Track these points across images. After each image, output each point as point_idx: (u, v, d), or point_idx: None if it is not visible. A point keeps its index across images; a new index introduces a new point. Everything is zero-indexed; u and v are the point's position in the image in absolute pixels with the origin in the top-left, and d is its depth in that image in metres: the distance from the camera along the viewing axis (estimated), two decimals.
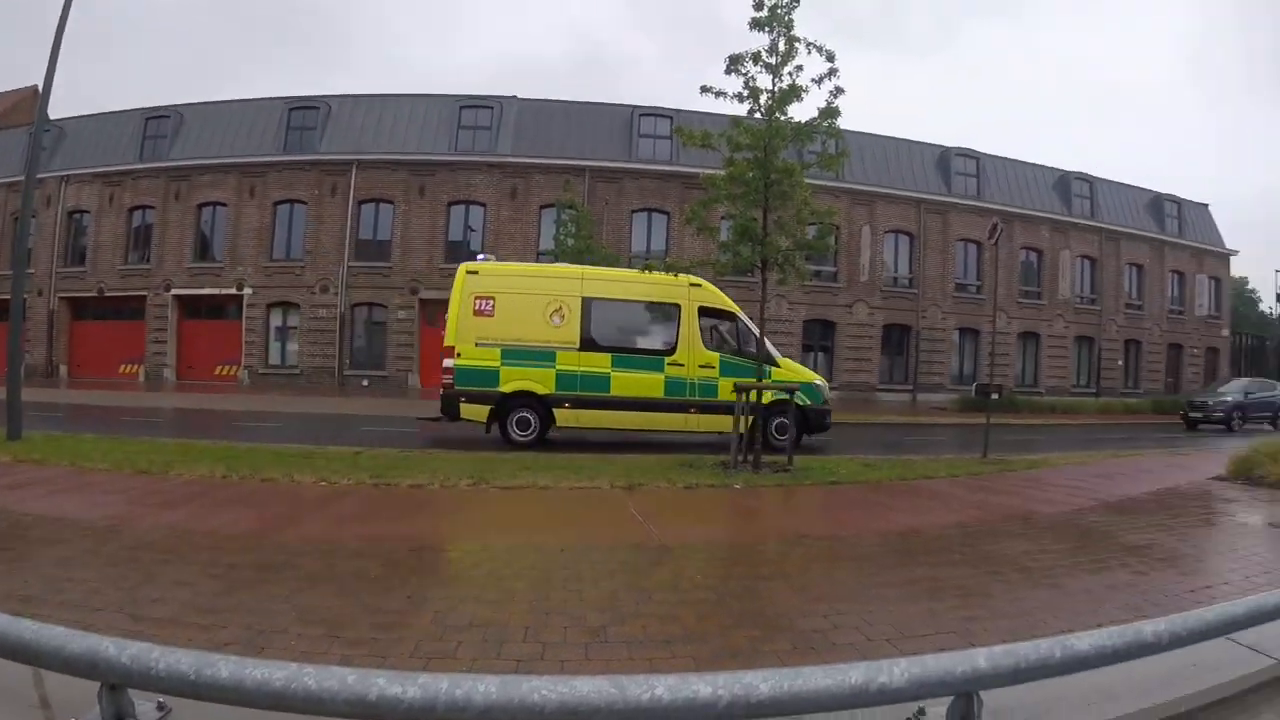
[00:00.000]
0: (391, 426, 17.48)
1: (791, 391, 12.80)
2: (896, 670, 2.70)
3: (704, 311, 15.84)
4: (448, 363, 14.84)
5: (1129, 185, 43.20)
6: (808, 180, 12.07)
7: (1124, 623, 3.65)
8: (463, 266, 15.65)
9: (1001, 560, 6.69)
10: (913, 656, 2.87)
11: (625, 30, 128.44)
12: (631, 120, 33.16)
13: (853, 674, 2.62)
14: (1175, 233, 43.87)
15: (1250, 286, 75.91)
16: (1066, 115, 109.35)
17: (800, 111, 11.71)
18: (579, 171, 31.12)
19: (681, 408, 15.29)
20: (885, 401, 33.52)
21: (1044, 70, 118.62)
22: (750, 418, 11.71)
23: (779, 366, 15.86)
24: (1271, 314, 68.26)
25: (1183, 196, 44.96)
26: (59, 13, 12.59)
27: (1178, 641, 3.51)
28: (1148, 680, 3.66)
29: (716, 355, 15.57)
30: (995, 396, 15.32)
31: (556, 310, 15.04)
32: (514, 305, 14.97)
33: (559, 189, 28.29)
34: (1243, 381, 30.18)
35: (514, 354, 14.81)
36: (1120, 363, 40.67)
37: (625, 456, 12.22)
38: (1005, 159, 39.20)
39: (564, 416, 15.07)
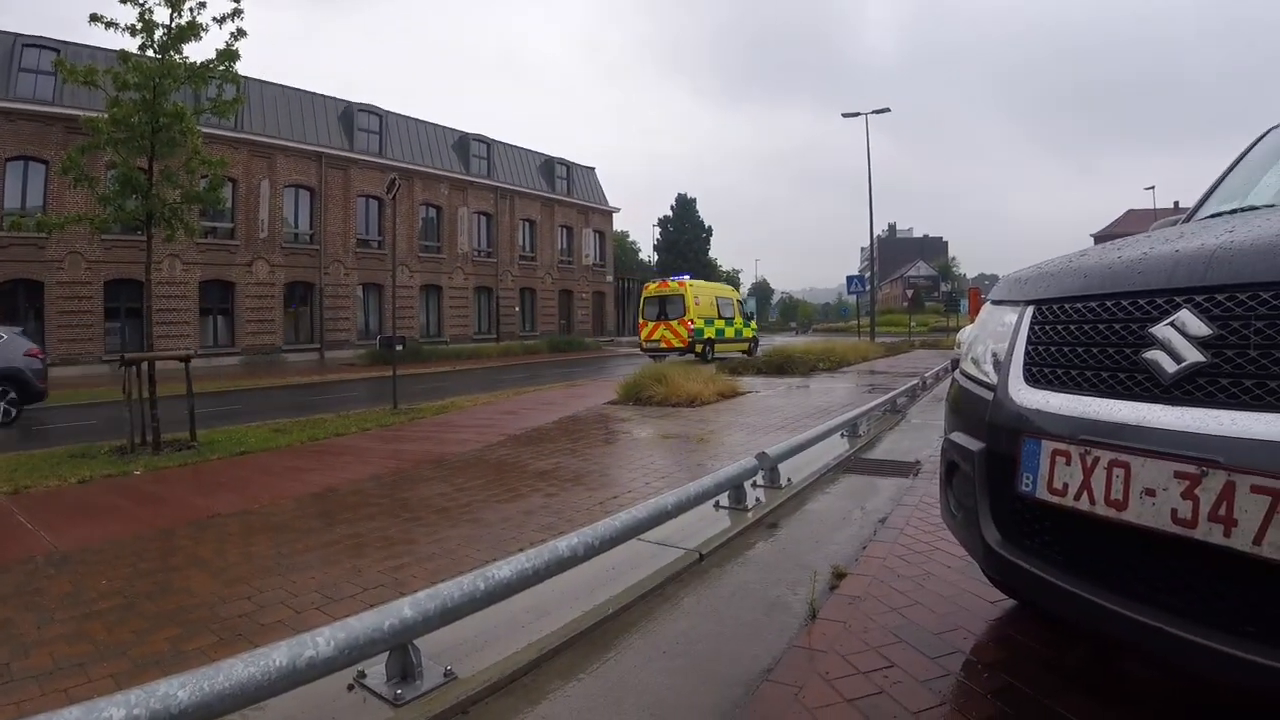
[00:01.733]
0: None
1: (187, 359, 11.63)
2: (321, 640, 2.67)
3: (740, 301, 34.93)
4: (691, 326, 29.02)
5: (524, 148, 47.97)
6: (201, 128, 11.25)
7: (541, 543, 3.96)
8: (688, 281, 31.04)
9: (420, 505, 6.92)
10: (338, 622, 2.84)
11: None
12: (13, 51, 27.67)
13: (276, 656, 2.53)
14: (565, 192, 50.11)
15: (631, 239, 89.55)
16: (468, 83, 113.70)
17: (198, 51, 10.94)
18: None
19: (731, 342, 32.00)
20: (292, 362, 32.98)
21: (452, 37, 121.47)
22: (144, 390, 10.58)
23: (752, 321, 35.97)
24: (650, 261, 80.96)
25: (572, 160, 51.31)
26: None
27: (593, 551, 3.96)
28: (575, 590, 4.05)
29: (741, 320, 33.51)
30: (400, 348, 15.93)
31: (711, 302, 31.17)
32: (703, 300, 30.64)
33: None
34: None
35: (706, 321, 30.13)
36: (517, 309, 44.89)
37: (7, 456, 10.42)
38: (408, 117, 40.48)
39: (718, 349, 30.49)
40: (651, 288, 31.30)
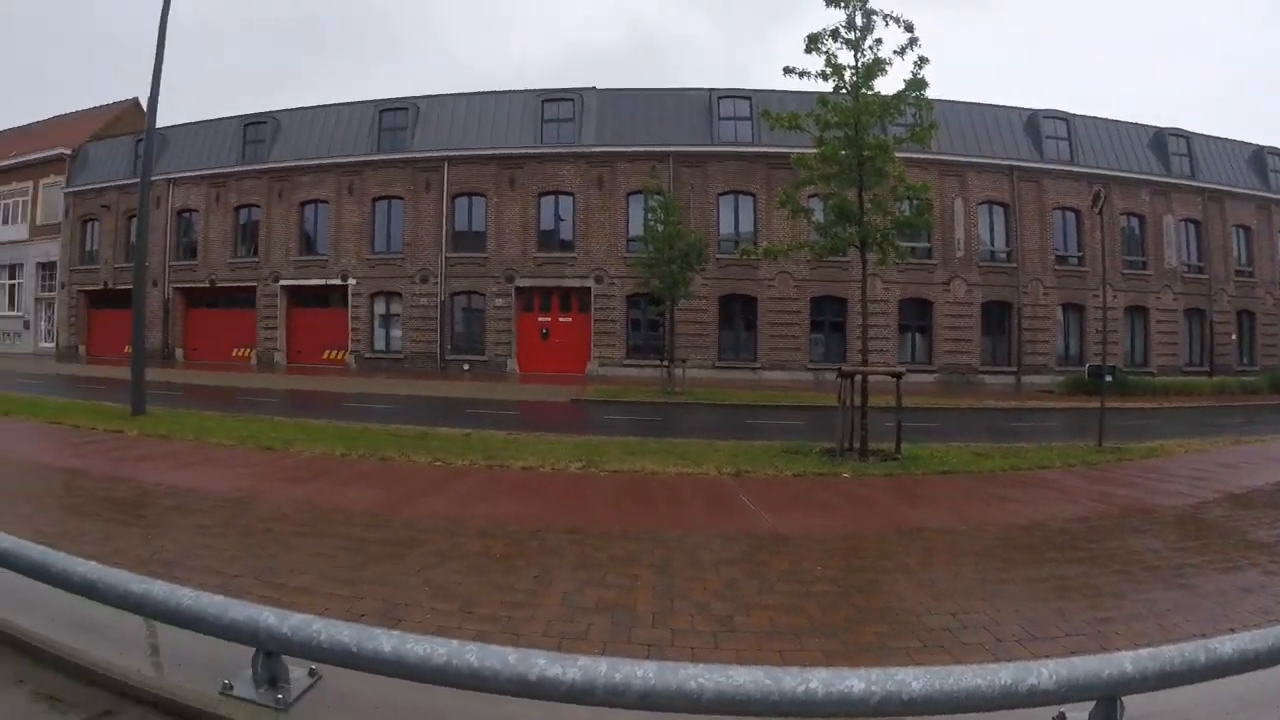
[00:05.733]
0: (495, 410, 17.95)
1: (898, 376, 12.17)
2: (1045, 672, 2.67)
3: None
4: None
5: (1228, 139, 39.14)
6: (897, 154, 11.81)
7: (1264, 627, 3.52)
8: None
9: (1128, 558, 6.47)
10: (1060, 659, 2.82)
11: (672, 6, 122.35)
12: (710, 103, 32.60)
13: (1002, 674, 2.60)
14: None
15: None
16: (1150, 64, 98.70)
17: (885, 85, 11.51)
18: (662, 157, 30.82)
19: None
20: (988, 384, 32.08)
21: (1118, 15, 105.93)
22: (857, 403, 11.38)
23: None
24: None
25: None
26: (155, 37, 14.61)
27: None
28: None
29: None
30: (1109, 378, 14.74)
31: None
32: None
33: (644, 175, 28.13)
34: None
35: None
36: (1234, 337, 37.91)
37: (727, 443, 12.11)
38: (1096, 119, 36.36)
39: None
40: None
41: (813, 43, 11.37)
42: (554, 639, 3.98)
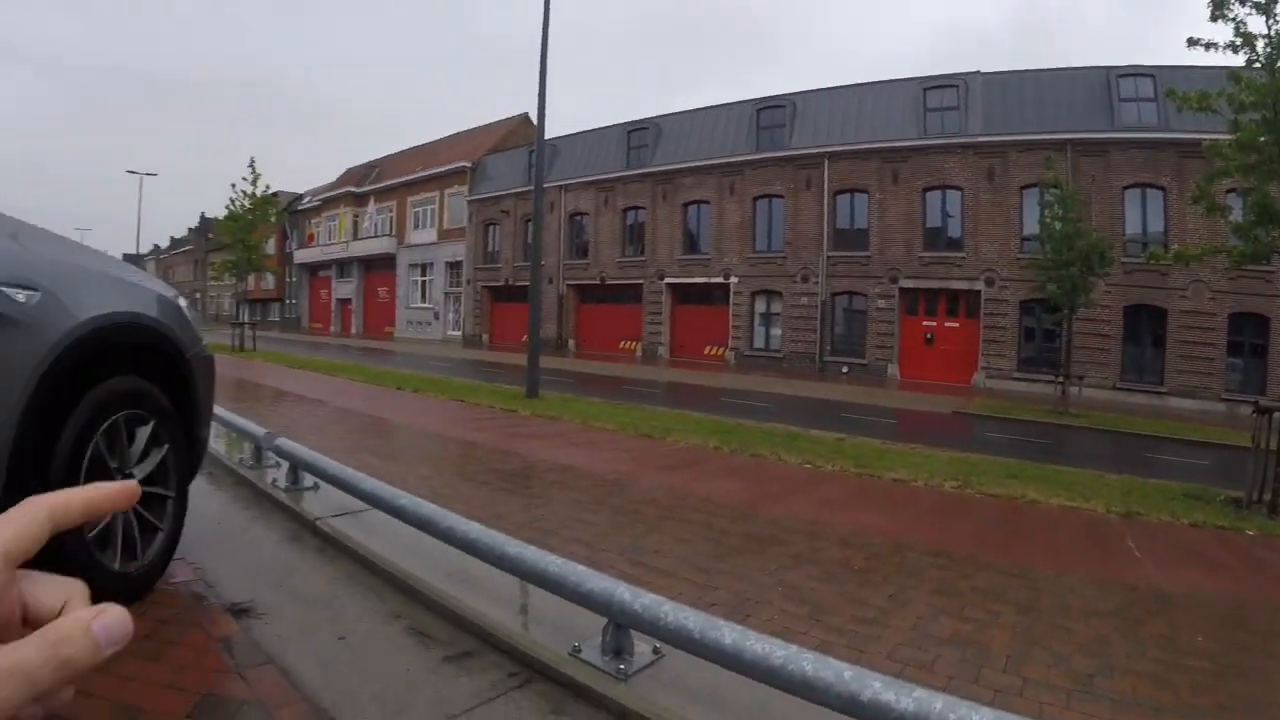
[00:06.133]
0: (871, 416, 17.70)
1: None
2: None
3: None
4: None
5: None
6: None
7: None
8: None
9: None
10: None
11: None
12: (1109, 83, 28.02)
13: None
14: None
15: None
16: None
17: None
18: (1058, 146, 27.11)
19: None
20: None
21: None
22: (1274, 447, 9.32)
23: None
24: None
25: None
26: (539, 58, 16.06)
27: None
28: None
29: None
30: None
31: None
32: None
33: (1039, 166, 25.31)
34: None
35: None
36: None
37: (1120, 477, 10.87)
38: None
39: None
40: None
41: (1218, 8, 9.70)
42: (897, 664, 3.80)
